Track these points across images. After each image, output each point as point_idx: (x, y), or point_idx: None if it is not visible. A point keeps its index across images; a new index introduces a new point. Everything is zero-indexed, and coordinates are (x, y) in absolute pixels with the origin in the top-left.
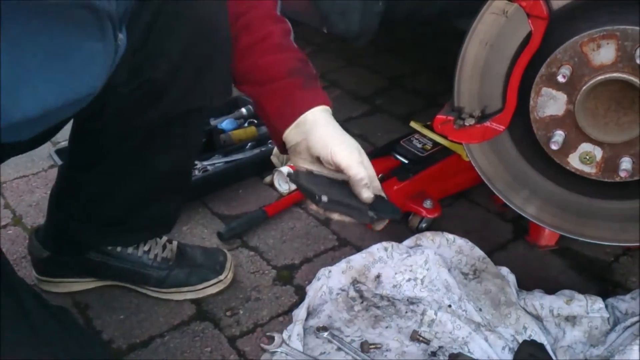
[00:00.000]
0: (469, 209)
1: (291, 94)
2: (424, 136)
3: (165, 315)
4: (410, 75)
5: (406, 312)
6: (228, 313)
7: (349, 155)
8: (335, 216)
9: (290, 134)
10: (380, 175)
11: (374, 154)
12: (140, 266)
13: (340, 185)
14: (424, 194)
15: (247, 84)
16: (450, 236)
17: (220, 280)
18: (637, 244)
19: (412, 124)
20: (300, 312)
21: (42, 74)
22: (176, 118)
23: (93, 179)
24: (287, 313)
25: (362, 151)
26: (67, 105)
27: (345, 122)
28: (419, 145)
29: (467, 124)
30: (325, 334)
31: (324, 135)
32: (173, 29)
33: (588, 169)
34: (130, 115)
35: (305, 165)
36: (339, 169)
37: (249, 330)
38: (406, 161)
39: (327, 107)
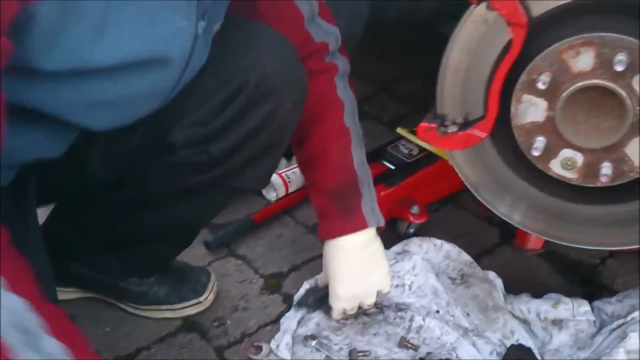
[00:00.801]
0: (456, 214)
1: (328, 215)
2: (411, 142)
3: (151, 327)
4: (397, 81)
5: (394, 319)
6: (215, 323)
7: (335, 301)
8: None
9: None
10: None
11: None
12: (121, 280)
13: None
14: (411, 199)
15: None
16: (438, 241)
17: (200, 302)
18: (622, 249)
19: (399, 130)
20: (291, 323)
21: (128, 24)
22: (211, 187)
23: (108, 199)
24: (275, 322)
25: (365, 292)
26: (142, 72)
27: None
28: (406, 151)
29: (449, 131)
30: (314, 343)
31: (334, 272)
32: (244, 114)
33: (569, 175)
34: (174, 171)
35: None
36: None
37: (236, 340)
38: (393, 167)
39: (361, 233)
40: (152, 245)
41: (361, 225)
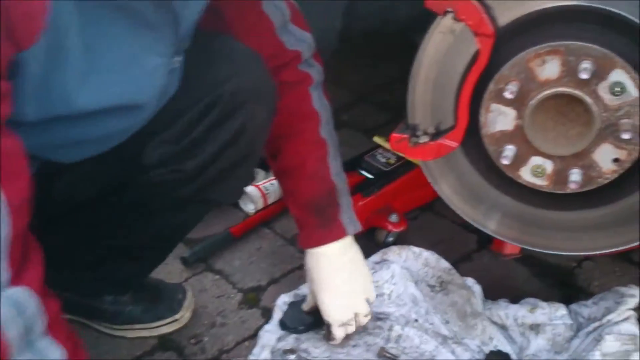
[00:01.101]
0: (434, 221)
1: (308, 226)
2: (388, 150)
3: (127, 347)
4: (375, 90)
5: (374, 329)
6: (192, 341)
7: (327, 312)
8: None
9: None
10: None
11: None
12: (95, 300)
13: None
14: (389, 208)
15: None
16: (417, 249)
17: (176, 320)
18: (592, 253)
19: (376, 139)
20: (271, 338)
21: (108, 70)
22: (188, 201)
23: (81, 218)
24: (253, 337)
25: (354, 297)
26: (118, 115)
27: None
28: (383, 160)
29: (421, 141)
30: (293, 357)
31: (319, 280)
32: (217, 129)
33: (540, 182)
34: (147, 193)
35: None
36: None
37: (214, 357)
38: (371, 176)
39: (340, 241)
40: (127, 258)
41: (340, 234)
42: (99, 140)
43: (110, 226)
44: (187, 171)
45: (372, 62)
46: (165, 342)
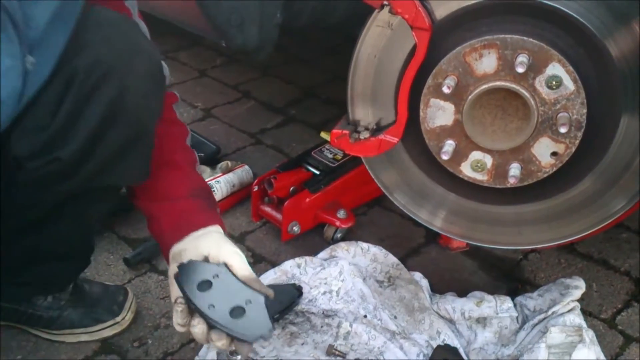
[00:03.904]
0: (383, 216)
1: (191, 212)
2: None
3: (67, 352)
4: (323, 85)
5: (322, 327)
6: (136, 344)
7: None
8: None
9: (182, 243)
10: (292, 188)
11: (285, 167)
12: (28, 306)
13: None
14: (337, 204)
15: (143, 198)
16: (365, 245)
17: (117, 322)
18: (537, 247)
19: (322, 135)
20: None
21: None
22: (84, 194)
23: None
24: None
25: None
26: None
27: (259, 134)
28: (330, 156)
29: (362, 137)
30: (239, 357)
31: (217, 239)
32: (83, 107)
33: (480, 177)
34: (35, 188)
35: None
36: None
37: None
38: (317, 172)
39: (221, 230)
40: (46, 265)
41: (223, 226)
42: None
43: (17, 233)
44: (64, 159)
45: (320, 57)
46: (107, 346)
